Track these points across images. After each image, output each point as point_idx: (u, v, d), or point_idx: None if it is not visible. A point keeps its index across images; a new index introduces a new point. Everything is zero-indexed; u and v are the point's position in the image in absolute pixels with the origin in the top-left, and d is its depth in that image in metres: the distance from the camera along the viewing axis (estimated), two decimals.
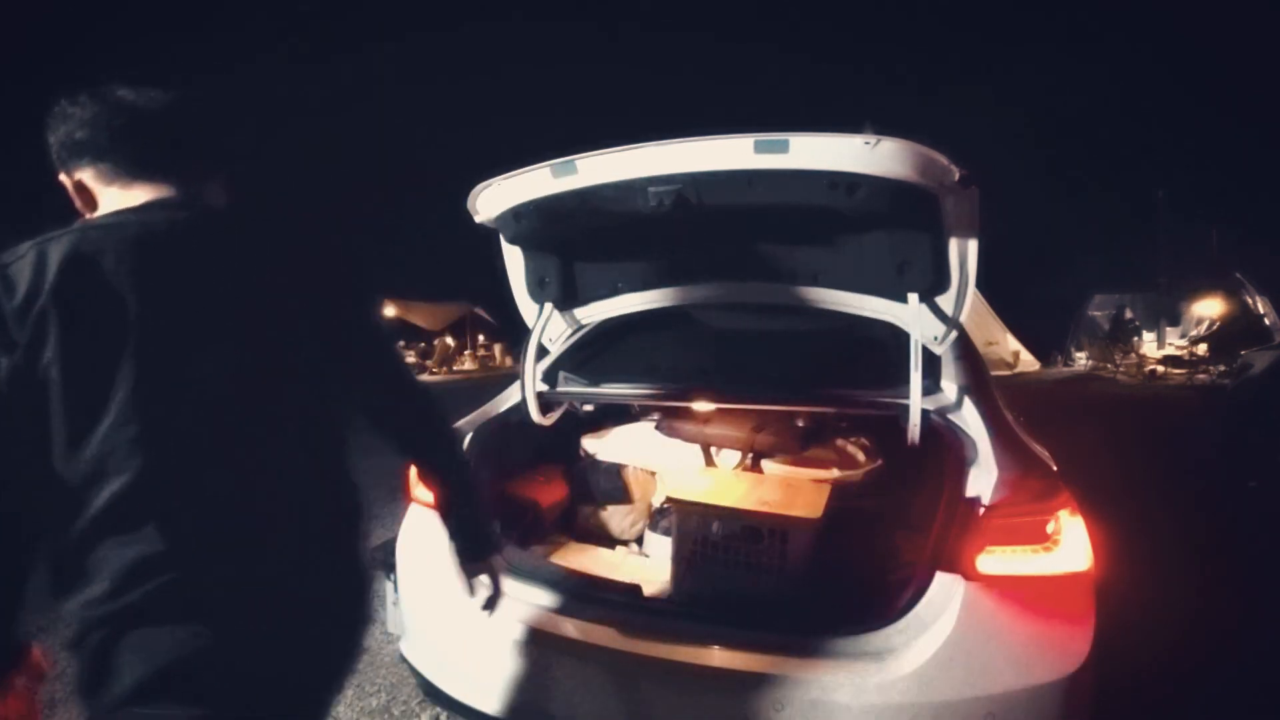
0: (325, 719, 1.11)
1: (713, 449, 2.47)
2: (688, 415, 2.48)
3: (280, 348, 1.00)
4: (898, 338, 2.07)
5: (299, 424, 1.02)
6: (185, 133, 1.10)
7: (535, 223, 1.95)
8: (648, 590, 1.80)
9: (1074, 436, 5.73)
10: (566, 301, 2.35)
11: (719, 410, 2.36)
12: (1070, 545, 1.49)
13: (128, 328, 0.90)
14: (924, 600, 1.48)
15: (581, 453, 2.69)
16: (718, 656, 1.51)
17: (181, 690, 0.90)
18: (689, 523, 1.96)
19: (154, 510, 0.89)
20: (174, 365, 0.92)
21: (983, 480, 1.54)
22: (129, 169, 1.03)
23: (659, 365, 2.34)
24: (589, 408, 2.50)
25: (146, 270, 0.92)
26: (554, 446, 2.68)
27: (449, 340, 21.76)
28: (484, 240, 2.24)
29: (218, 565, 0.92)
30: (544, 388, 2.28)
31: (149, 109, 1.06)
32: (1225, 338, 13.79)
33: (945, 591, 1.47)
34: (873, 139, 1.53)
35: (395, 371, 1.17)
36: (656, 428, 2.55)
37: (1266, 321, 13.25)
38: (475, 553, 1.37)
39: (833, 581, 1.89)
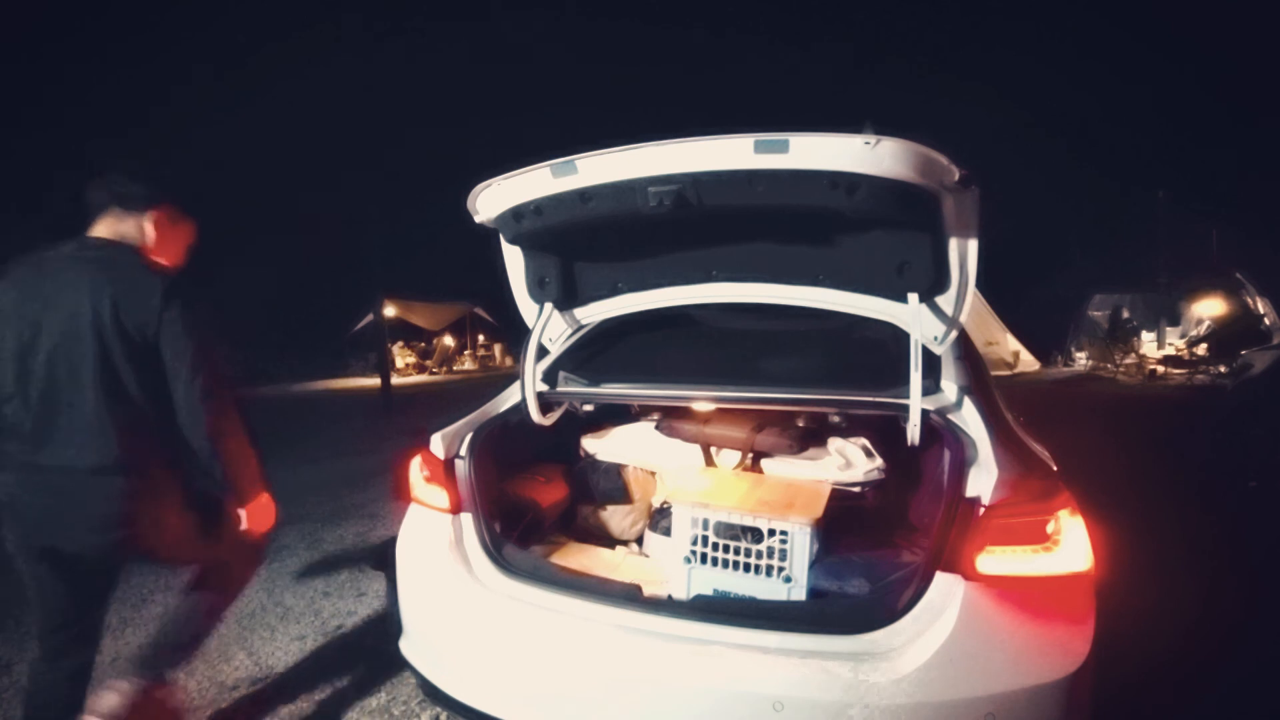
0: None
1: (713, 449, 2.47)
2: (688, 415, 2.48)
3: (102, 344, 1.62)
4: (898, 338, 2.07)
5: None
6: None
7: (535, 223, 1.95)
8: (648, 590, 1.80)
9: (1074, 436, 5.74)
10: (566, 301, 2.35)
11: (719, 410, 2.36)
12: (1070, 545, 1.49)
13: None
14: (924, 600, 1.48)
15: (581, 453, 2.69)
16: (717, 656, 1.51)
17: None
18: (689, 523, 1.96)
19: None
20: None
21: (983, 480, 1.54)
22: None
23: (659, 365, 2.34)
24: (589, 408, 2.50)
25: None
26: (554, 446, 2.68)
27: (449, 340, 21.75)
28: (484, 240, 2.24)
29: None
30: (544, 388, 2.28)
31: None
32: (1225, 338, 13.79)
33: (945, 591, 1.47)
34: (873, 139, 1.53)
35: (185, 384, 1.65)
36: (656, 428, 2.55)
37: (1266, 321, 13.22)
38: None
39: (833, 581, 1.89)
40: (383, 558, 2.43)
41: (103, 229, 1.75)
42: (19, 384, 1.64)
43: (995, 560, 1.47)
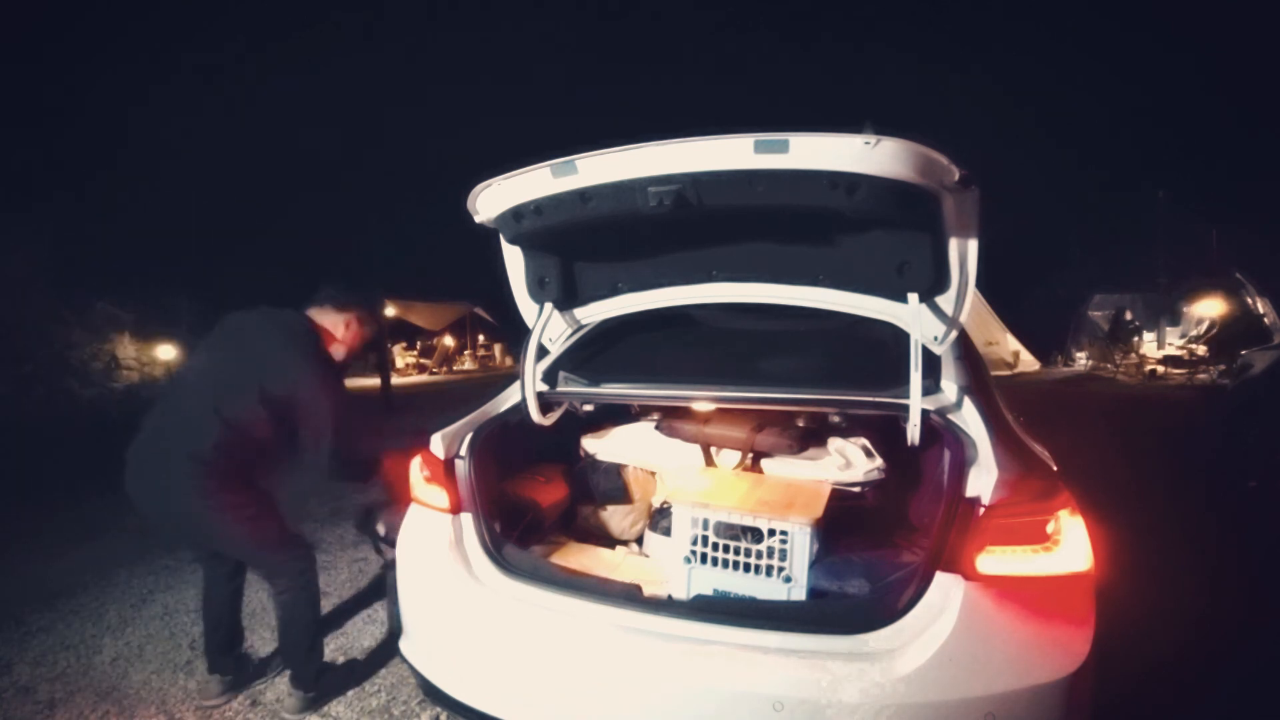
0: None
1: (713, 449, 2.46)
2: (688, 415, 2.47)
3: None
4: (898, 338, 2.07)
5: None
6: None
7: (535, 223, 1.94)
8: (648, 590, 1.79)
9: (1074, 436, 5.74)
10: (566, 301, 2.34)
11: (719, 410, 2.36)
12: (1070, 545, 1.49)
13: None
14: (924, 600, 1.48)
15: (581, 453, 2.69)
16: (717, 656, 1.51)
17: None
18: (688, 523, 1.96)
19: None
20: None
21: (983, 480, 1.54)
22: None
23: (659, 365, 2.33)
24: (589, 408, 2.50)
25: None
26: (554, 446, 2.68)
27: (449, 340, 21.75)
28: (484, 240, 2.24)
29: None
30: (544, 388, 2.27)
31: None
32: (1225, 338, 13.78)
33: (945, 591, 1.47)
34: (873, 139, 1.53)
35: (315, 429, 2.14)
36: (656, 428, 2.55)
37: (1266, 321, 13.19)
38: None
39: (833, 581, 1.89)
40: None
41: (314, 311, 2.31)
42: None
43: (995, 560, 1.47)
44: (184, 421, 2.10)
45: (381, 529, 2.45)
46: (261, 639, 2.82)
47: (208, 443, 2.04)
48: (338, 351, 2.33)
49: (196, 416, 2.07)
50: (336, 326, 2.32)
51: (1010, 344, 15.54)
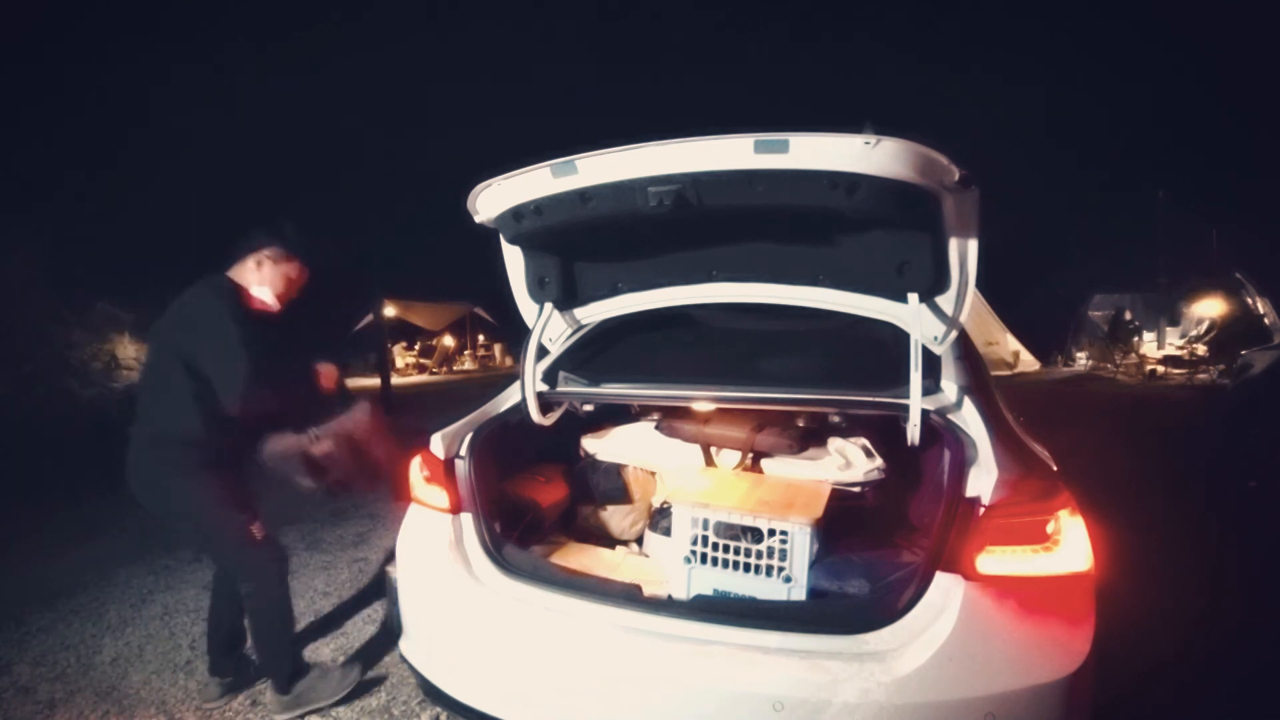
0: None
1: (713, 449, 2.46)
2: (688, 415, 2.48)
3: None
4: (898, 338, 2.07)
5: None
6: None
7: (535, 223, 1.95)
8: (648, 590, 1.80)
9: (1074, 436, 5.74)
10: (566, 301, 2.34)
11: (719, 410, 2.36)
12: (1070, 545, 1.49)
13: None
14: (924, 600, 1.48)
15: (581, 453, 2.69)
16: (717, 656, 1.51)
17: None
18: (688, 523, 1.96)
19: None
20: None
21: (983, 480, 1.54)
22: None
23: (659, 365, 2.33)
24: (589, 408, 2.50)
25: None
26: (554, 446, 2.68)
27: (449, 340, 21.75)
28: (484, 240, 2.24)
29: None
30: (544, 388, 2.27)
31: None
32: (1225, 338, 13.78)
33: (945, 591, 1.47)
34: (873, 139, 1.53)
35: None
36: (656, 428, 2.55)
37: (1266, 321, 13.21)
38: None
39: (833, 581, 1.89)
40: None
41: (232, 270, 2.23)
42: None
43: (995, 560, 1.47)
44: (152, 404, 2.13)
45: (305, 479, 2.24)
46: None
47: (176, 424, 2.05)
48: (263, 301, 2.22)
49: (159, 399, 2.11)
50: (248, 275, 2.21)
51: (1010, 344, 15.54)
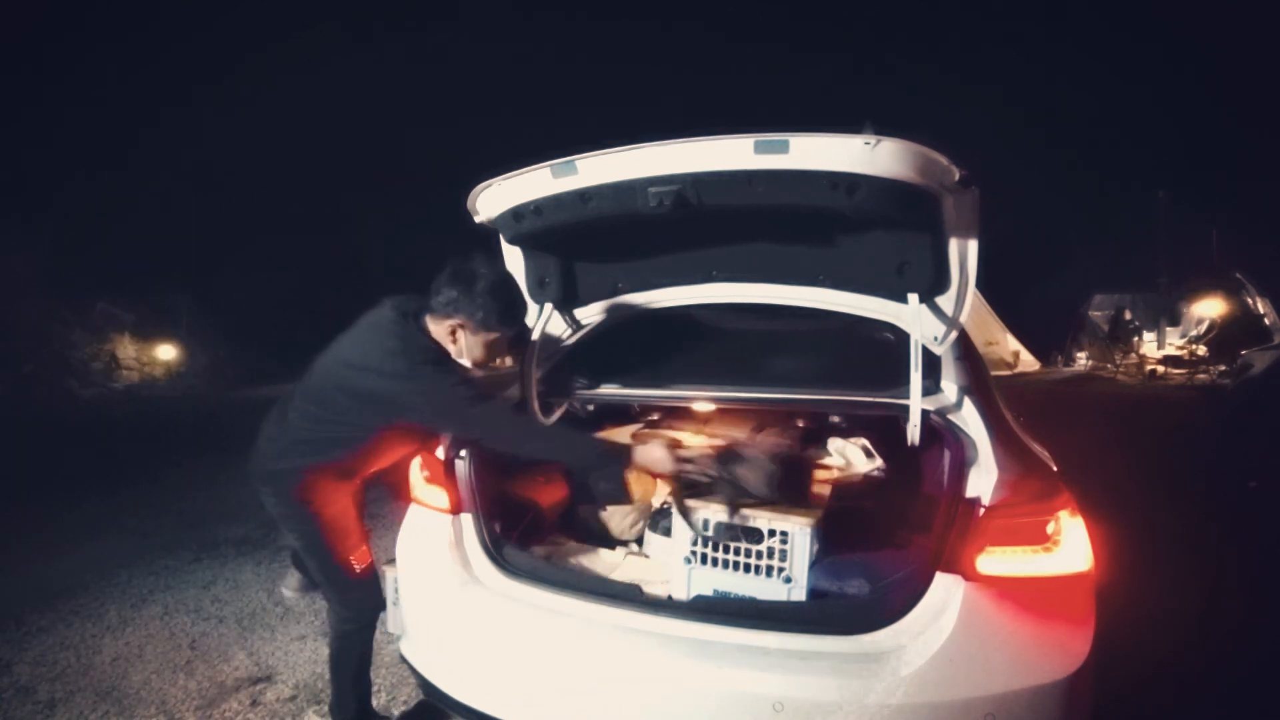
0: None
1: None
2: (688, 415, 2.47)
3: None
4: (898, 338, 2.07)
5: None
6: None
7: (535, 223, 1.95)
8: (648, 591, 1.80)
9: (1074, 436, 5.74)
10: (566, 301, 2.34)
11: (719, 410, 2.36)
12: (1070, 546, 1.49)
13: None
14: (924, 600, 1.48)
15: None
16: (717, 657, 1.51)
17: None
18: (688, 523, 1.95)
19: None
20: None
21: (983, 480, 1.54)
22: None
23: (659, 365, 2.33)
24: (589, 408, 2.50)
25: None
26: None
27: None
28: (484, 240, 2.24)
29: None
30: (544, 388, 2.27)
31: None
32: (1225, 338, 13.79)
33: (945, 592, 1.47)
34: (873, 139, 1.53)
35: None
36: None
37: (1266, 321, 13.22)
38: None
39: (833, 582, 1.89)
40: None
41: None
42: None
43: (995, 561, 1.47)
44: (314, 426, 1.94)
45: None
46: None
47: (329, 454, 1.94)
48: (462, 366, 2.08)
49: (322, 428, 1.94)
50: (444, 338, 1.99)
51: (1010, 344, 15.56)
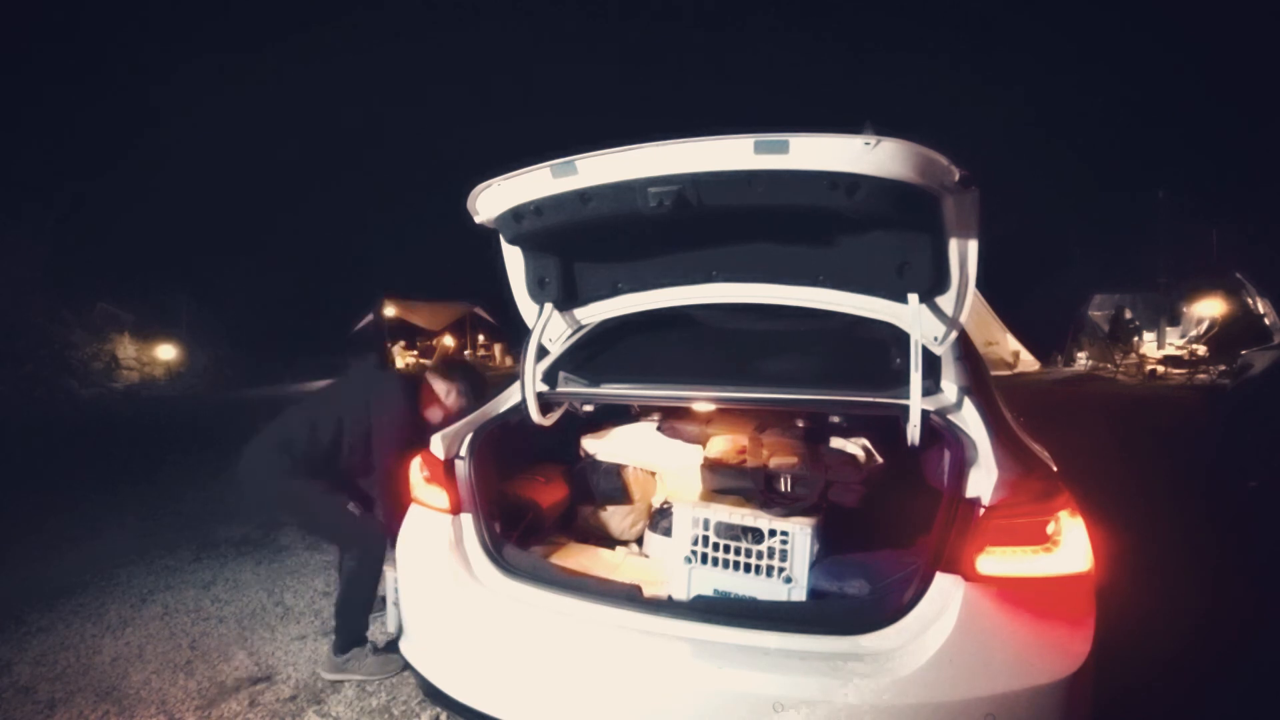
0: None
1: None
2: (688, 415, 2.48)
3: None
4: (898, 338, 2.07)
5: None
6: None
7: (535, 223, 1.95)
8: (648, 590, 1.79)
9: (1074, 436, 5.73)
10: (566, 301, 2.34)
11: (719, 410, 2.36)
12: (1070, 546, 1.49)
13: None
14: (924, 600, 1.48)
15: (581, 453, 2.69)
16: (718, 657, 1.51)
17: None
18: (689, 523, 1.95)
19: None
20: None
21: (983, 480, 1.54)
22: None
23: (659, 365, 2.33)
24: (589, 408, 2.50)
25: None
26: (554, 446, 2.68)
27: (449, 340, 21.73)
28: (484, 240, 2.24)
29: None
30: (544, 388, 2.27)
31: None
32: (1225, 338, 13.79)
33: (945, 592, 1.47)
34: (873, 139, 1.53)
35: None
36: (657, 428, 2.55)
37: (1266, 321, 13.21)
38: None
39: (833, 582, 1.89)
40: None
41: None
42: None
43: (995, 561, 1.47)
44: (300, 431, 2.50)
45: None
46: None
47: (313, 450, 2.47)
48: (431, 415, 2.58)
49: (305, 434, 2.49)
50: (439, 388, 2.60)
51: (1010, 344, 15.54)
